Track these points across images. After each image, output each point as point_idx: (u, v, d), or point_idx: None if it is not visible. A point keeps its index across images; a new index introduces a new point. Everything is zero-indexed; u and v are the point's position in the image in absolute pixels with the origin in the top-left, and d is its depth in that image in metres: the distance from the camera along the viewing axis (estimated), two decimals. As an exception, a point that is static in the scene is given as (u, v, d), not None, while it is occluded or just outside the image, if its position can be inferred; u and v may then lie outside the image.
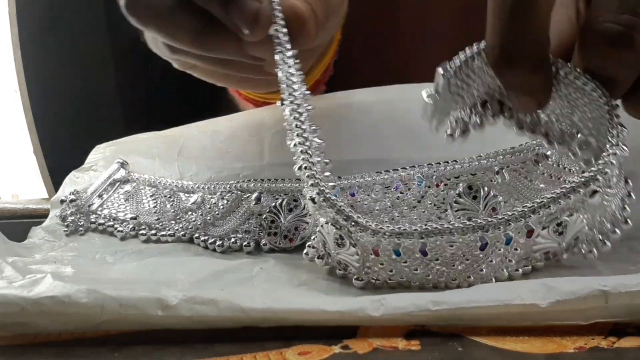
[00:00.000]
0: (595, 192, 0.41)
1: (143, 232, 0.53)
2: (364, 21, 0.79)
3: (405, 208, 0.51)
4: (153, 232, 0.53)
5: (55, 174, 0.64)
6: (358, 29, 0.79)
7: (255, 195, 0.52)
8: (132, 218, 0.53)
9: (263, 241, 0.51)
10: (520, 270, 0.43)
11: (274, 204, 0.51)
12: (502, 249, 0.42)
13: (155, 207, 0.54)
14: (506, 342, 0.38)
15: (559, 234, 0.42)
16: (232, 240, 0.51)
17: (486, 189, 0.50)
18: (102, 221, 0.54)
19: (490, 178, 0.50)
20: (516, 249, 0.42)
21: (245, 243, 0.51)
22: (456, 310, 0.38)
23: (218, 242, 0.51)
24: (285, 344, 0.38)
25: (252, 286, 0.44)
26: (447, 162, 0.50)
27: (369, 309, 0.38)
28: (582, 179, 0.41)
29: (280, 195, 0.52)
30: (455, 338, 0.38)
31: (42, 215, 0.56)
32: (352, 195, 0.52)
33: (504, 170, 0.50)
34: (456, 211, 0.50)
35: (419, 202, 0.51)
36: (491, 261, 0.42)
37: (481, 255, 0.41)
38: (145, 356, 0.37)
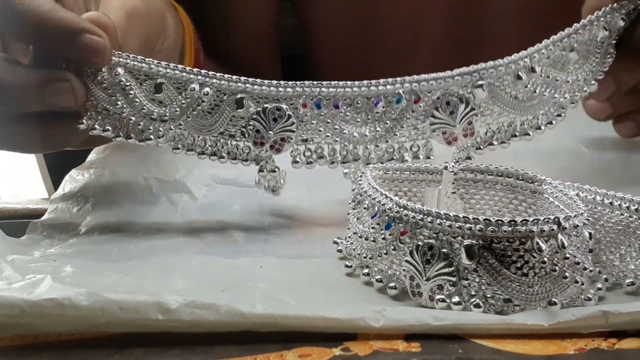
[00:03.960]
0: None
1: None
2: (349, 29, 0.79)
3: (387, 122, 0.52)
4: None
5: (55, 173, 0.64)
6: (344, 37, 0.80)
7: (237, 97, 0.51)
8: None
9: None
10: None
11: (257, 109, 0.51)
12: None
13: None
14: (507, 344, 0.38)
15: None
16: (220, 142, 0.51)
17: (464, 104, 0.52)
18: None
19: (468, 92, 0.52)
20: None
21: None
22: (457, 326, 0.38)
23: (209, 142, 0.51)
24: (286, 346, 0.38)
25: (252, 286, 0.44)
26: (429, 76, 0.51)
27: (369, 319, 0.38)
28: None
29: (262, 100, 0.51)
30: (456, 340, 0.38)
31: (42, 215, 0.56)
32: (336, 107, 0.52)
33: (483, 85, 0.52)
34: (432, 125, 0.52)
35: (399, 117, 0.52)
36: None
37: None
38: (146, 358, 0.37)
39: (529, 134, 0.54)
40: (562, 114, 0.54)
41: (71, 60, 0.50)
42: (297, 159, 0.52)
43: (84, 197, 0.57)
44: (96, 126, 0.51)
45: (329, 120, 0.52)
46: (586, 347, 0.37)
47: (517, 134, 0.54)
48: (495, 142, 0.53)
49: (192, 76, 0.51)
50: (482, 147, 0.53)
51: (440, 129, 0.52)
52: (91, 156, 0.60)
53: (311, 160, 0.53)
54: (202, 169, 0.57)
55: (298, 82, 0.52)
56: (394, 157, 0.52)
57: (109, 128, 0.51)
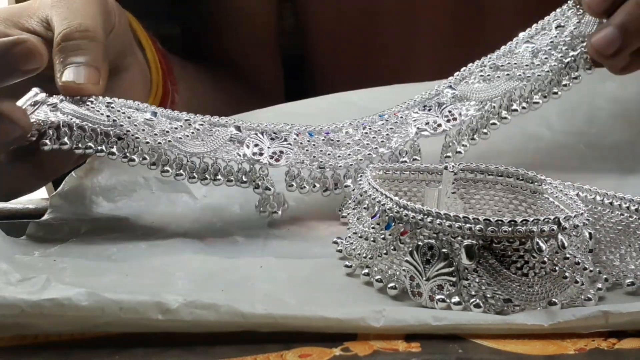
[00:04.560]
0: None
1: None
2: (349, 28, 0.79)
3: (373, 135, 0.54)
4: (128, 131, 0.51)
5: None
6: (344, 36, 0.80)
7: (232, 127, 0.52)
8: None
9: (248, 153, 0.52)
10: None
11: (255, 133, 0.52)
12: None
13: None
14: (507, 344, 0.38)
15: None
16: (211, 162, 0.52)
17: (440, 104, 0.55)
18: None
19: (441, 96, 0.55)
20: None
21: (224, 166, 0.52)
22: (457, 326, 0.38)
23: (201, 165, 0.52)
24: (286, 347, 0.38)
25: (252, 286, 0.44)
26: (404, 103, 0.55)
27: (370, 319, 0.38)
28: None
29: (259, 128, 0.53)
30: (456, 340, 0.38)
31: (42, 215, 0.56)
32: (327, 133, 0.54)
33: (451, 86, 0.55)
34: (415, 120, 0.55)
35: (383, 128, 0.55)
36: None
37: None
38: (146, 358, 0.38)
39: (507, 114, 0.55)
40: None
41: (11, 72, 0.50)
42: (293, 183, 0.53)
43: (83, 197, 0.57)
44: (66, 140, 0.50)
45: (321, 149, 0.53)
46: (586, 347, 0.37)
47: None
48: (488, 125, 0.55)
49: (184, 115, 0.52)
50: (474, 134, 0.55)
51: (422, 121, 0.54)
52: (91, 157, 0.60)
53: (304, 185, 0.53)
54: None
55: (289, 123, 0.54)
56: None
57: (81, 146, 0.51)
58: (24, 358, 0.38)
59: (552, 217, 0.39)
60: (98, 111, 0.51)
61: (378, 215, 0.43)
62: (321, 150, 0.53)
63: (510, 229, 0.39)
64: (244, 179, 0.52)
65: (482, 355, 0.37)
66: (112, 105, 0.52)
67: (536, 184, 0.47)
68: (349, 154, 0.53)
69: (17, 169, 0.52)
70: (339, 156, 0.53)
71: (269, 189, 0.52)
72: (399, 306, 0.40)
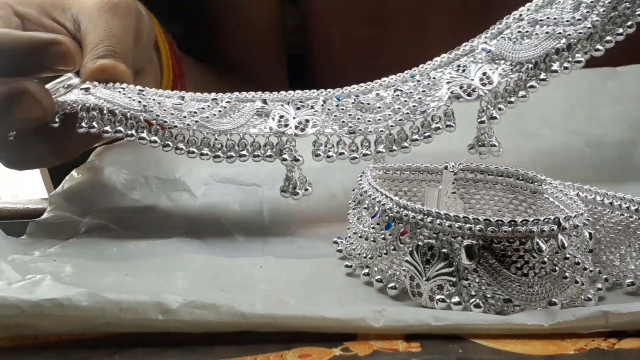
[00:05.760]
0: None
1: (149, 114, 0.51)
2: (355, 27, 0.79)
3: (405, 99, 0.52)
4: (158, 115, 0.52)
5: (55, 173, 0.64)
6: (350, 34, 0.79)
7: (258, 101, 0.52)
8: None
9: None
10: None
11: (281, 104, 0.52)
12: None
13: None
14: (507, 344, 0.38)
15: None
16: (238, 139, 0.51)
17: (475, 63, 0.53)
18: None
19: (475, 54, 0.53)
20: None
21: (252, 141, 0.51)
22: (457, 326, 0.38)
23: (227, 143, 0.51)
24: (286, 347, 0.38)
25: (252, 286, 0.44)
26: (435, 60, 0.54)
27: (370, 319, 0.38)
28: None
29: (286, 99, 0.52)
30: (456, 340, 0.38)
31: (42, 215, 0.56)
32: (357, 96, 0.53)
33: (487, 42, 0.54)
34: (448, 83, 0.52)
35: (415, 90, 0.52)
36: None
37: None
38: (146, 358, 0.38)
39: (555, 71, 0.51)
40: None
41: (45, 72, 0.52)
42: (319, 152, 0.52)
43: (83, 197, 0.57)
44: (94, 124, 0.51)
45: (350, 113, 0.52)
46: (586, 347, 0.37)
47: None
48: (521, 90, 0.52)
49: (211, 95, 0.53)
50: (510, 97, 0.52)
51: (456, 83, 0.52)
52: (92, 158, 0.60)
53: (330, 154, 0.52)
54: (201, 167, 0.57)
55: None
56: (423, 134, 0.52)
57: (110, 129, 0.51)
58: (24, 358, 0.38)
59: (552, 217, 0.39)
60: (130, 97, 0.52)
61: (378, 215, 0.43)
62: (350, 115, 0.52)
63: (510, 229, 0.39)
64: (270, 153, 0.52)
65: (482, 355, 0.37)
66: (144, 92, 0.52)
67: (536, 184, 0.47)
68: (379, 119, 0.52)
69: (37, 146, 0.53)
70: (369, 120, 0.52)
71: (298, 160, 0.52)
72: (399, 306, 0.41)
